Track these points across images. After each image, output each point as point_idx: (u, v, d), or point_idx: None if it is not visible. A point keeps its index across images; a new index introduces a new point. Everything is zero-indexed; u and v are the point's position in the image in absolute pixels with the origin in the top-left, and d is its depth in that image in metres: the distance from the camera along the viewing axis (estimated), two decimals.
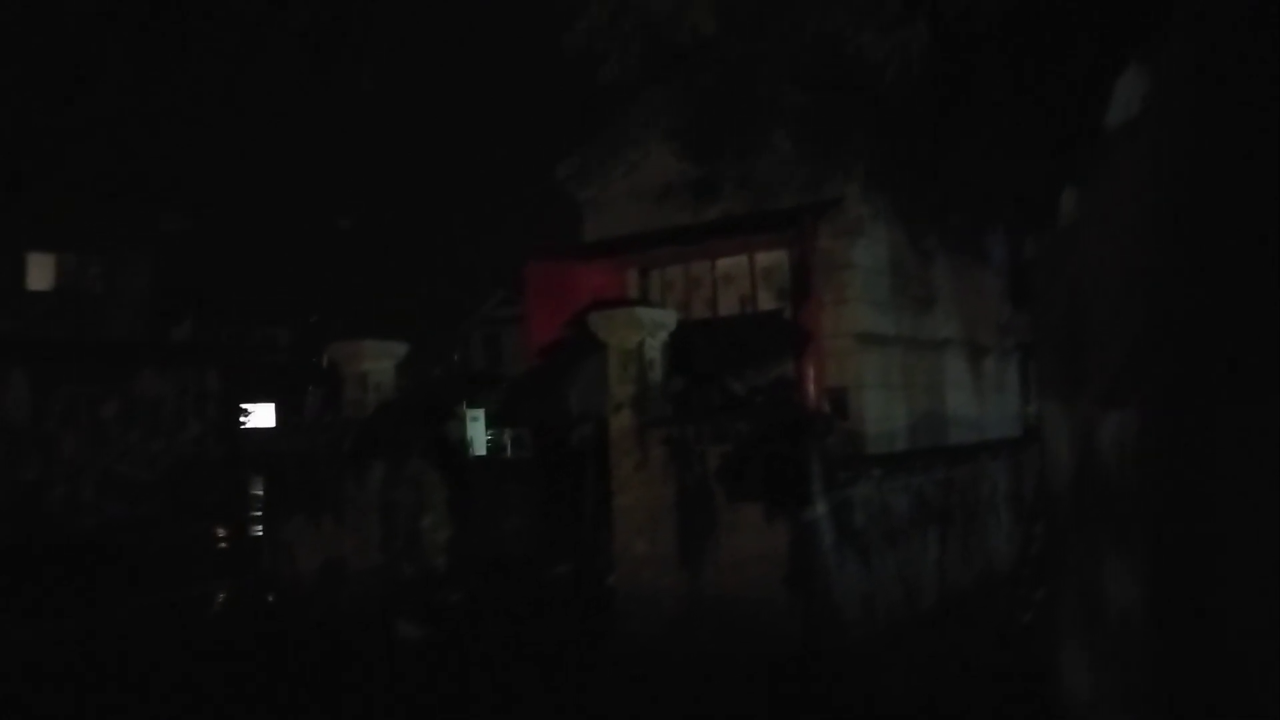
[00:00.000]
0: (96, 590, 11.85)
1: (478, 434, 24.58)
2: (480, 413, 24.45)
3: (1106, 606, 3.17)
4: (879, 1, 5.26)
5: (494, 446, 25.47)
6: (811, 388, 10.61)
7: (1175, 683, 2.59)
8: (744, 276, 11.71)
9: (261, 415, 28.92)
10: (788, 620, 7.98)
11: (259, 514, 12.96)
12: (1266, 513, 2.12)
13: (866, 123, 10.91)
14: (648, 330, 9.17)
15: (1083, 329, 3.40)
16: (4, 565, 12.70)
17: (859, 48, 5.52)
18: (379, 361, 11.05)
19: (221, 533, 15.37)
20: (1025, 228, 9.90)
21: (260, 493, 12.94)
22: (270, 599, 11.11)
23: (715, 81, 9.38)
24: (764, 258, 11.51)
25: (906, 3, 5.33)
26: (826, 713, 7.30)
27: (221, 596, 12.01)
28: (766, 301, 11.52)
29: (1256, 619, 2.15)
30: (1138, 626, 2.87)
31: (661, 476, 8.84)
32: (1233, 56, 2.30)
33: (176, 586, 12.39)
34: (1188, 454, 2.47)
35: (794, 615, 7.99)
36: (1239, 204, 2.25)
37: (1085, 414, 3.40)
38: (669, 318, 9.60)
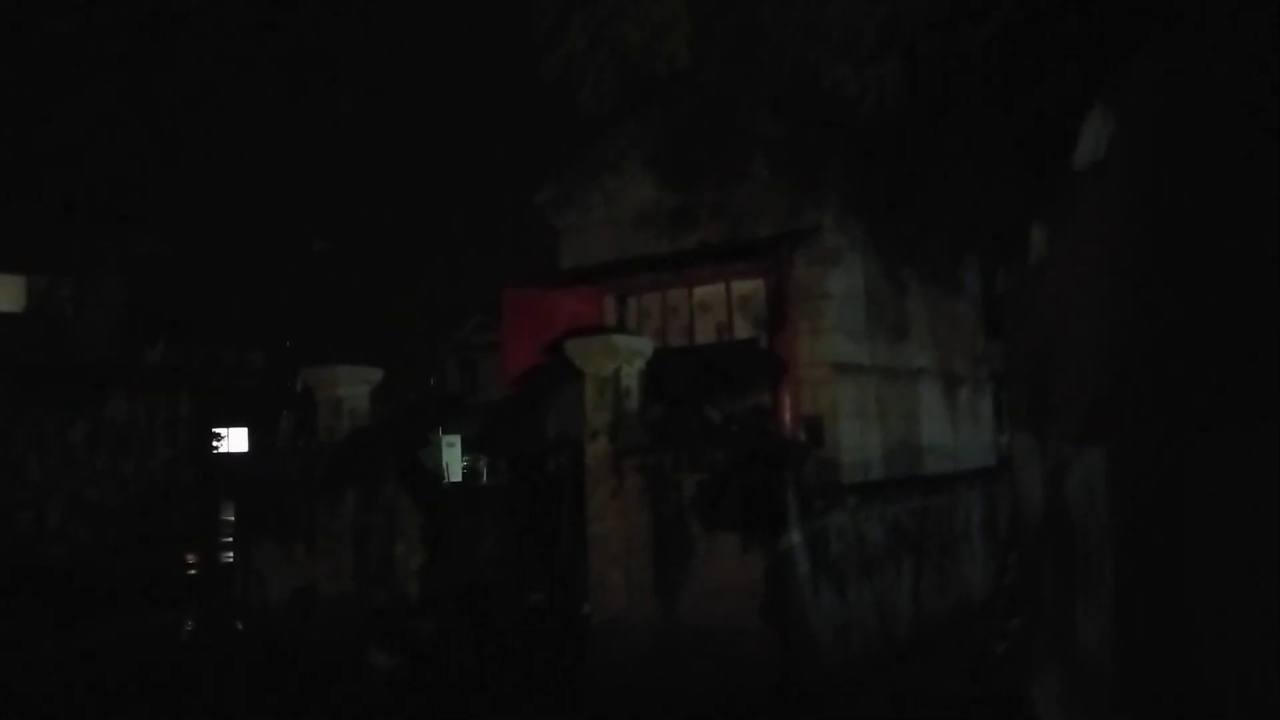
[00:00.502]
0: (63, 617, 11.64)
1: (454, 460, 24.48)
2: (456, 438, 24.34)
3: (1076, 639, 3.19)
4: (855, 37, 5.34)
5: (470, 472, 25.34)
6: (787, 416, 10.64)
7: (1143, 717, 2.60)
8: (721, 304, 11.76)
9: (235, 440, 28.65)
10: (763, 650, 7.96)
11: (230, 540, 12.80)
12: (1232, 549, 2.15)
13: (843, 154, 11.04)
14: (624, 358, 9.18)
15: (1052, 365, 3.44)
16: None
17: (835, 81, 5.60)
18: (353, 387, 10.98)
19: (192, 559, 15.16)
20: (999, 259, 10.02)
21: (232, 518, 12.79)
22: (240, 626, 10.96)
23: (693, 111, 9.46)
24: (741, 286, 11.57)
25: (881, 38, 5.42)
26: None
27: (191, 623, 11.82)
28: (743, 330, 11.56)
29: (1222, 655, 2.17)
30: (1106, 660, 2.89)
31: (637, 505, 8.82)
32: (1197, 98, 2.35)
33: (145, 613, 12.20)
34: (1154, 491, 2.50)
35: (769, 645, 7.97)
36: (1205, 245, 2.30)
37: (1055, 449, 3.43)
38: (645, 345, 9.61)
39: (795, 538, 8.17)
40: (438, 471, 13.87)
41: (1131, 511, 2.68)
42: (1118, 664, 2.78)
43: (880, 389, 11.74)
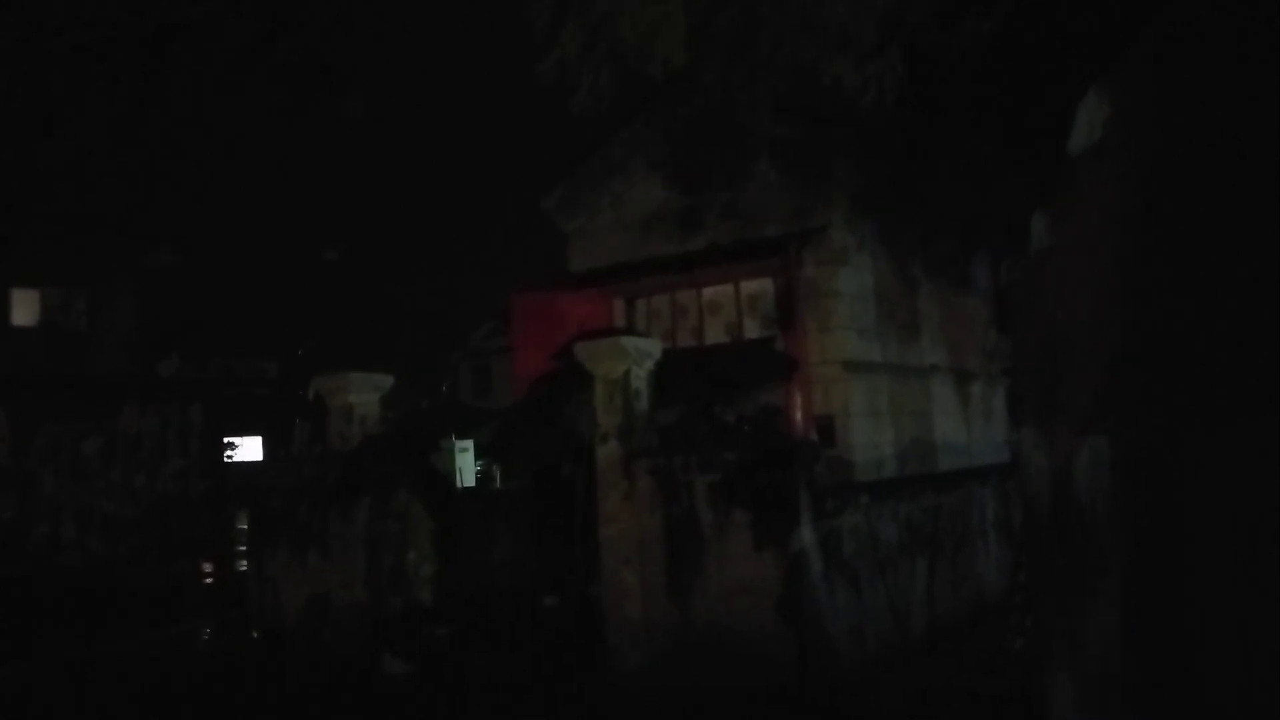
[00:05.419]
0: (80, 628, 11.70)
1: (467, 465, 24.51)
2: (469, 444, 24.37)
3: (1087, 635, 3.15)
4: (854, 32, 5.31)
5: (483, 477, 25.35)
6: (799, 416, 10.60)
7: (1152, 715, 2.56)
8: (730, 305, 11.72)
9: (249, 448, 28.75)
10: (778, 649, 7.92)
11: (244, 549, 12.85)
12: (1235, 541, 2.11)
13: (848, 151, 10.99)
14: (634, 359, 9.16)
15: (1057, 355, 3.41)
16: None
17: (836, 78, 5.57)
18: (364, 394, 11.00)
19: (207, 568, 15.24)
20: (1008, 253, 9.96)
21: (245, 527, 12.83)
22: (256, 635, 11.00)
23: (697, 112, 9.44)
24: (750, 286, 11.53)
25: (881, 33, 5.39)
26: None
27: (207, 633, 11.87)
28: (753, 330, 11.52)
29: (1229, 648, 2.13)
30: (1115, 656, 2.85)
31: (649, 507, 8.80)
32: (1193, 82, 2.32)
33: (161, 623, 12.26)
34: (1159, 480, 2.46)
35: (784, 644, 7.93)
36: (1202, 229, 2.26)
37: (1061, 441, 3.40)
38: (655, 347, 9.58)
39: (808, 537, 8.13)
40: (450, 478, 13.87)
41: (1134, 503, 2.64)
42: (1126, 660, 2.74)
43: (892, 387, 11.68)
